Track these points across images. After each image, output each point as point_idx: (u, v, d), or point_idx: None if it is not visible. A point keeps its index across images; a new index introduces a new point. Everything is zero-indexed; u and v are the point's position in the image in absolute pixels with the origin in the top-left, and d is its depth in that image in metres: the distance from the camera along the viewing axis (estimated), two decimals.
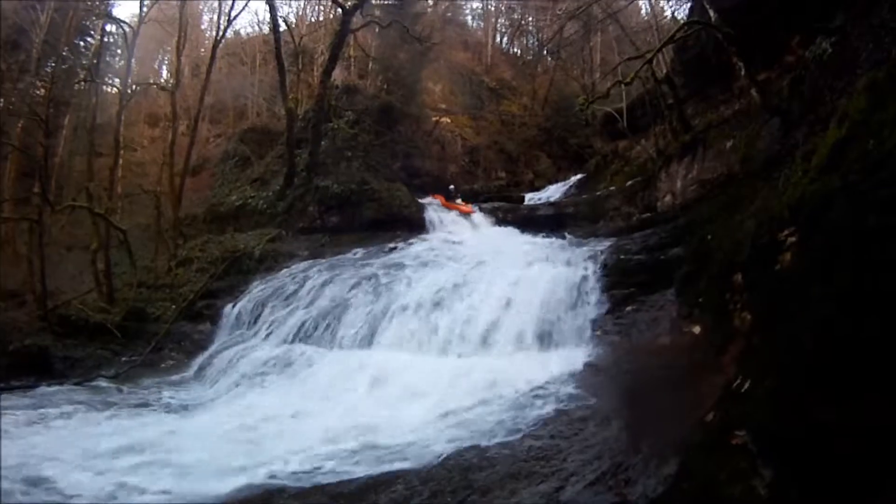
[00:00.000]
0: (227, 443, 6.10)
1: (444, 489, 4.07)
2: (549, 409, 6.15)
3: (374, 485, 4.37)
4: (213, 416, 7.47)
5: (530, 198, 22.92)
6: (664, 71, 17.71)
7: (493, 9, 38.78)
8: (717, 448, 2.97)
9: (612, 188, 19.85)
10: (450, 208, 14.84)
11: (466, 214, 14.16)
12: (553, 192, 24.11)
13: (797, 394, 2.74)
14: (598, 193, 19.62)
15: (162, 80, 29.90)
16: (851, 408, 2.50)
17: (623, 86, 16.26)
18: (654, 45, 19.13)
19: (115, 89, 22.19)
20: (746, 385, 3.17)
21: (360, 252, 14.17)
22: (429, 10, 30.36)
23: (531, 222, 17.36)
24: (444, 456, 4.87)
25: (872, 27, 7.63)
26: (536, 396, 6.64)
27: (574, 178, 25.11)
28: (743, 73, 11.11)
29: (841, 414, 2.50)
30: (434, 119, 26.62)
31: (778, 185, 6.26)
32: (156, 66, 36.52)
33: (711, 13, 11.38)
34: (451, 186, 17.21)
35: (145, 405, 8.17)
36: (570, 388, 6.74)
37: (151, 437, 6.31)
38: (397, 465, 4.87)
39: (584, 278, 9.51)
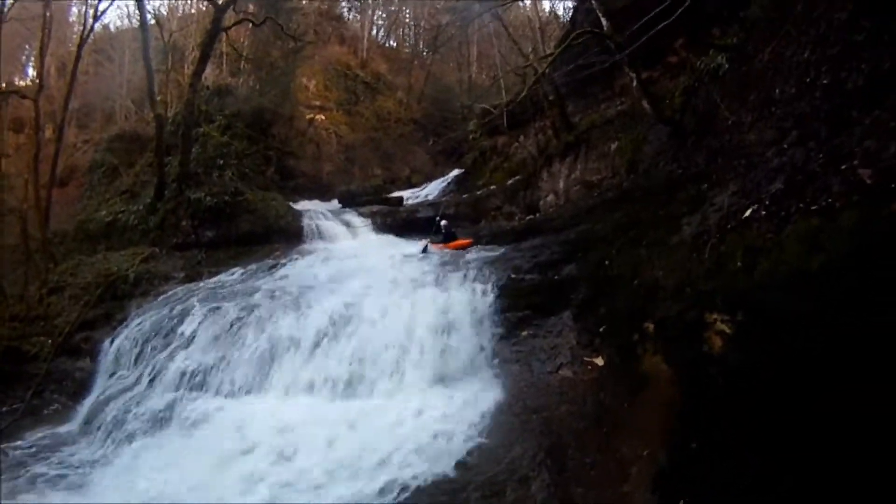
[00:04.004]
0: None
1: None
2: (459, 463, 6.08)
3: None
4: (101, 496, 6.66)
5: (409, 195, 22.55)
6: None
7: (370, 0, 37.58)
8: None
9: (492, 186, 19.91)
10: (451, 248, 13.32)
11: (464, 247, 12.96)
12: (432, 189, 23.95)
13: None
14: (479, 193, 19.59)
15: (28, 81, 26.72)
16: None
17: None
18: (533, 40, 19.12)
19: None
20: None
21: (237, 272, 13.28)
22: (304, 2, 29.14)
23: (412, 226, 16.81)
24: None
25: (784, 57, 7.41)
26: (443, 447, 6.45)
27: (452, 174, 25.11)
28: (634, 83, 11.22)
29: None
30: (308, 117, 26.01)
31: (704, 250, 5.88)
32: (23, 60, 32.03)
33: (603, 20, 11.16)
34: (444, 221, 15.26)
35: (30, 482, 7.26)
36: (477, 435, 6.57)
37: None
38: None
39: (476, 302, 9.08)
